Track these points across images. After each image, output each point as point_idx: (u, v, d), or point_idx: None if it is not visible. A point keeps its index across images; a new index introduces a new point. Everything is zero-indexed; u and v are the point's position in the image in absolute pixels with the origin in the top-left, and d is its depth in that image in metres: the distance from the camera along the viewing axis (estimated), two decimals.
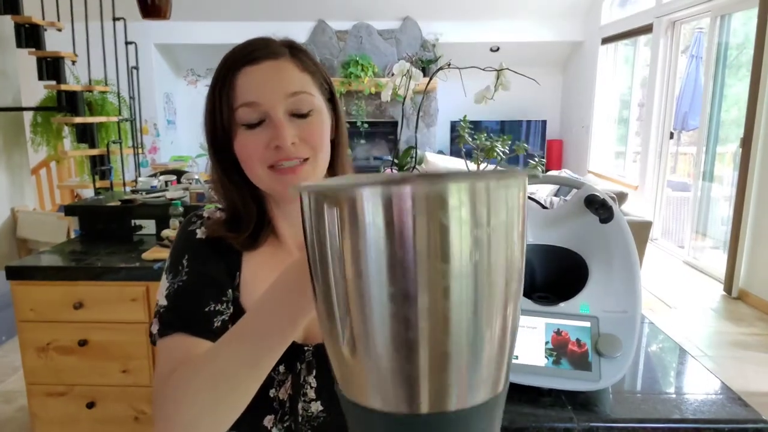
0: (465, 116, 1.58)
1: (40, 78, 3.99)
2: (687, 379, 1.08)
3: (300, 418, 0.73)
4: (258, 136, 0.69)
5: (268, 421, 0.73)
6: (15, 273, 1.92)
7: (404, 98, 1.42)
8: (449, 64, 1.47)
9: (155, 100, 6.62)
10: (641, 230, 3.37)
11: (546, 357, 0.94)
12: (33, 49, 3.94)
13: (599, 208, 0.98)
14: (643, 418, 0.91)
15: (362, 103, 6.73)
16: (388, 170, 1.59)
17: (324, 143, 0.73)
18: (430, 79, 1.56)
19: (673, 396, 0.99)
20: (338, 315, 0.36)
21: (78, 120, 4.02)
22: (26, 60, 4.07)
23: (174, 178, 2.70)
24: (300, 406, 0.73)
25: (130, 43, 4.41)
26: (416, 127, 1.59)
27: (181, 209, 2.13)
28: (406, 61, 1.47)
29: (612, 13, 6.30)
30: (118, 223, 2.34)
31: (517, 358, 0.95)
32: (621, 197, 3.53)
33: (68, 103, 4.06)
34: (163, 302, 0.70)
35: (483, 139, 1.58)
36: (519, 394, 0.95)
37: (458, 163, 4.39)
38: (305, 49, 0.75)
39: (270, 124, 0.69)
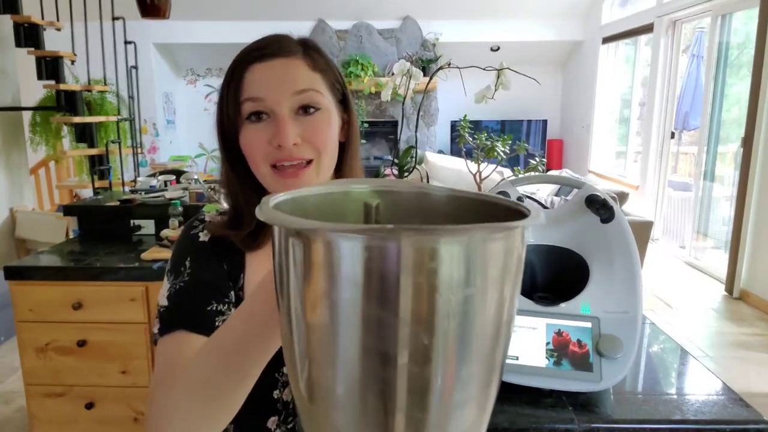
0: (465, 116, 1.58)
1: (39, 77, 3.99)
2: (688, 379, 1.08)
3: None
4: (262, 132, 0.69)
5: (271, 422, 0.74)
6: (14, 273, 1.92)
7: (404, 98, 1.42)
8: (449, 64, 1.46)
9: (154, 99, 6.62)
10: (642, 230, 3.36)
11: (547, 358, 0.94)
12: (32, 49, 3.94)
13: (600, 208, 0.98)
14: (645, 419, 0.90)
15: (362, 102, 6.74)
16: (388, 170, 1.58)
17: (329, 144, 0.72)
18: (431, 78, 1.56)
19: (675, 397, 0.99)
20: (298, 357, 0.33)
21: (77, 120, 4.02)
22: (25, 59, 4.07)
23: (173, 177, 2.70)
24: None
25: (130, 42, 4.41)
26: (416, 127, 1.59)
27: (180, 209, 2.12)
28: (406, 60, 1.47)
29: (612, 13, 6.30)
30: (117, 223, 2.34)
31: (517, 358, 0.94)
32: (622, 197, 3.52)
33: (67, 102, 4.05)
34: (164, 303, 0.71)
35: (483, 138, 1.57)
36: (519, 395, 0.95)
37: (459, 163, 4.38)
38: (320, 48, 0.74)
39: (274, 121, 0.68)
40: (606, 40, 6.28)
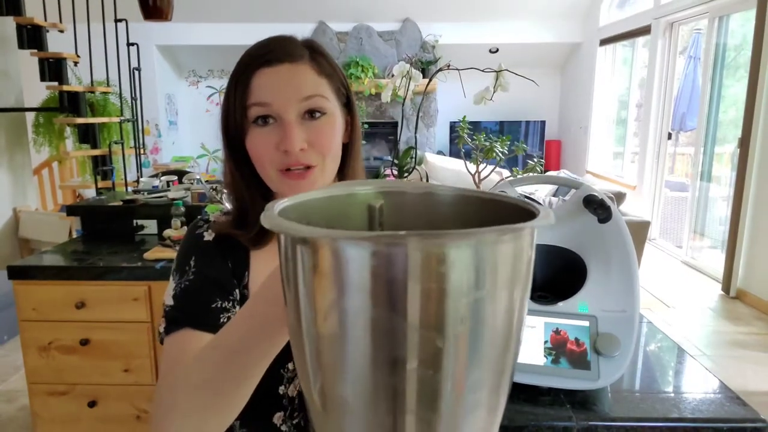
0: (464, 117, 1.60)
1: (42, 79, 3.99)
2: (685, 378, 1.08)
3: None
4: (268, 136, 0.70)
5: (277, 418, 0.74)
6: (17, 273, 1.93)
7: (404, 99, 1.43)
8: (449, 65, 1.48)
9: (157, 101, 6.63)
10: (639, 230, 3.38)
11: (545, 356, 0.95)
12: (35, 51, 3.95)
13: (598, 208, 0.99)
14: (642, 417, 0.91)
15: (362, 104, 6.74)
16: (388, 171, 1.60)
17: (333, 148, 0.73)
18: (430, 80, 1.58)
19: (672, 395, 1.00)
20: (310, 366, 0.33)
21: (80, 120, 4.03)
22: (28, 61, 4.07)
23: (175, 178, 2.71)
24: None
25: (132, 44, 4.42)
26: (416, 128, 1.61)
27: (182, 209, 2.14)
28: (405, 62, 1.48)
29: (610, 15, 6.32)
30: (120, 223, 2.35)
31: None
32: (619, 197, 3.54)
33: (70, 103, 4.06)
34: (170, 302, 0.71)
35: (482, 139, 1.59)
36: (518, 393, 0.96)
37: (458, 164, 4.40)
38: (325, 51, 0.75)
39: (280, 125, 0.69)
40: (604, 41, 6.29)
